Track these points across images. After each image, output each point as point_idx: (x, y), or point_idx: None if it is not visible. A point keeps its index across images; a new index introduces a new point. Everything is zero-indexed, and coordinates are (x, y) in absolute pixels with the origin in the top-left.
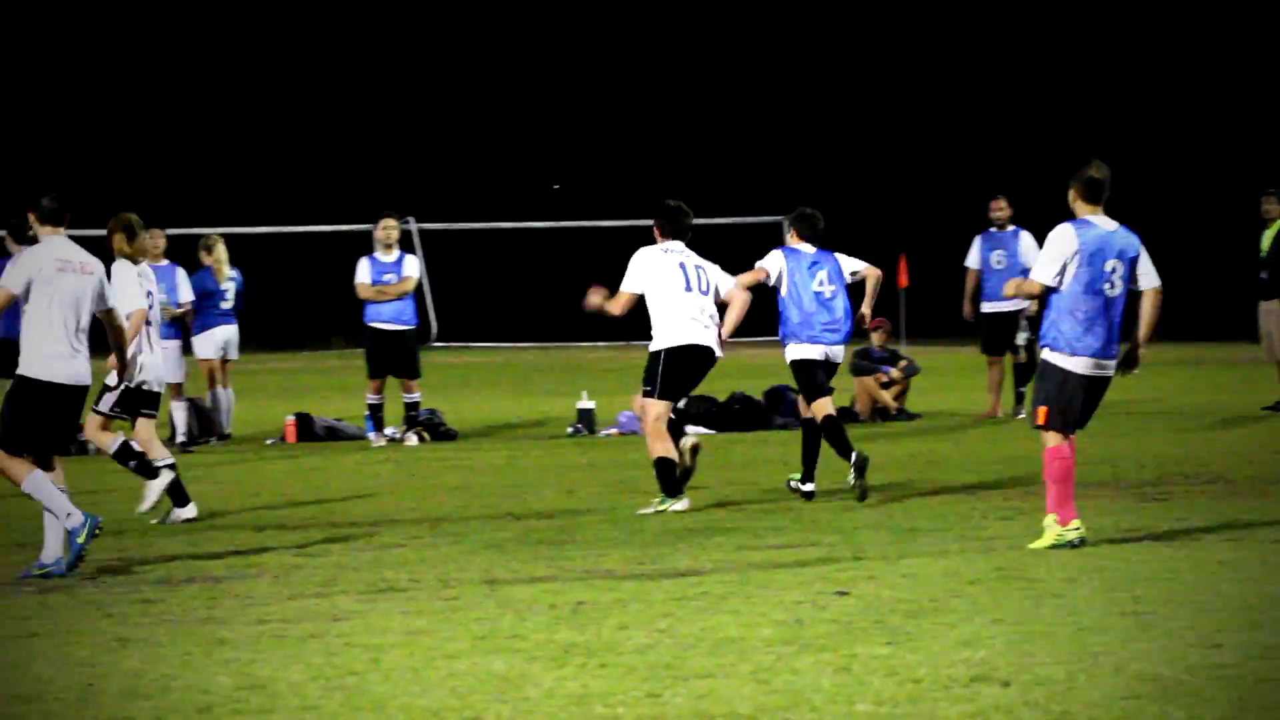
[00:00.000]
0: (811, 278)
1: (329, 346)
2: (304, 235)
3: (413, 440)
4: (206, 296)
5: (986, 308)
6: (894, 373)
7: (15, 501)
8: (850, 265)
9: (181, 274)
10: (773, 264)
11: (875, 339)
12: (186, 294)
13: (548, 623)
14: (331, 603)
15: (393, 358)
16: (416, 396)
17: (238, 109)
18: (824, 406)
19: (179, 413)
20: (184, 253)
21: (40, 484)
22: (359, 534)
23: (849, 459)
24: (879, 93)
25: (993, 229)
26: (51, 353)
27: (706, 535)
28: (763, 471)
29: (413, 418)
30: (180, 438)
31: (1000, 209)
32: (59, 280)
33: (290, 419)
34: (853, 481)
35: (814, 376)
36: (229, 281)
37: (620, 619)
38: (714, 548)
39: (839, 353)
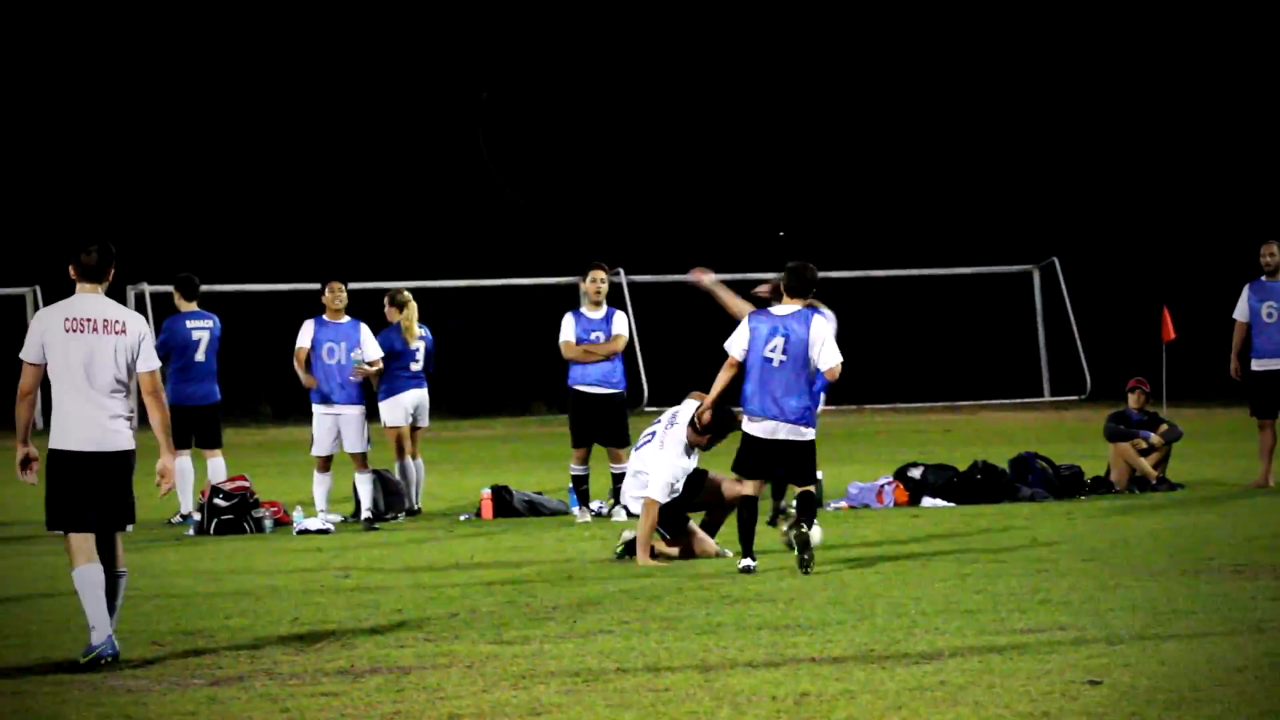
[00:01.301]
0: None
1: (529, 412)
2: (502, 289)
3: (621, 515)
4: (395, 357)
5: (1257, 365)
6: (1154, 438)
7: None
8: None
9: (366, 331)
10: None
11: (1133, 401)
12: (374, 352)
13: (769, 715)
14: (530, 695)
15: (600, 424)
16: (626, 467)
17: (424, 152)
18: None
19: (364, 485)
20: (368, 310)
21: (85, 582)
22: (560, 619)
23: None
24: (1138, 130)
25: (1263, 277)
26: (69, 419)
27: (945, 618)
28: (1006, 548)
29: (621, 490)
30: (365, 513)
31: (1272, 254)
32: (68, 342)
33: (486, 492)
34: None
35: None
36: (419, 341)
37: (849, 711)
38: (953, 632)
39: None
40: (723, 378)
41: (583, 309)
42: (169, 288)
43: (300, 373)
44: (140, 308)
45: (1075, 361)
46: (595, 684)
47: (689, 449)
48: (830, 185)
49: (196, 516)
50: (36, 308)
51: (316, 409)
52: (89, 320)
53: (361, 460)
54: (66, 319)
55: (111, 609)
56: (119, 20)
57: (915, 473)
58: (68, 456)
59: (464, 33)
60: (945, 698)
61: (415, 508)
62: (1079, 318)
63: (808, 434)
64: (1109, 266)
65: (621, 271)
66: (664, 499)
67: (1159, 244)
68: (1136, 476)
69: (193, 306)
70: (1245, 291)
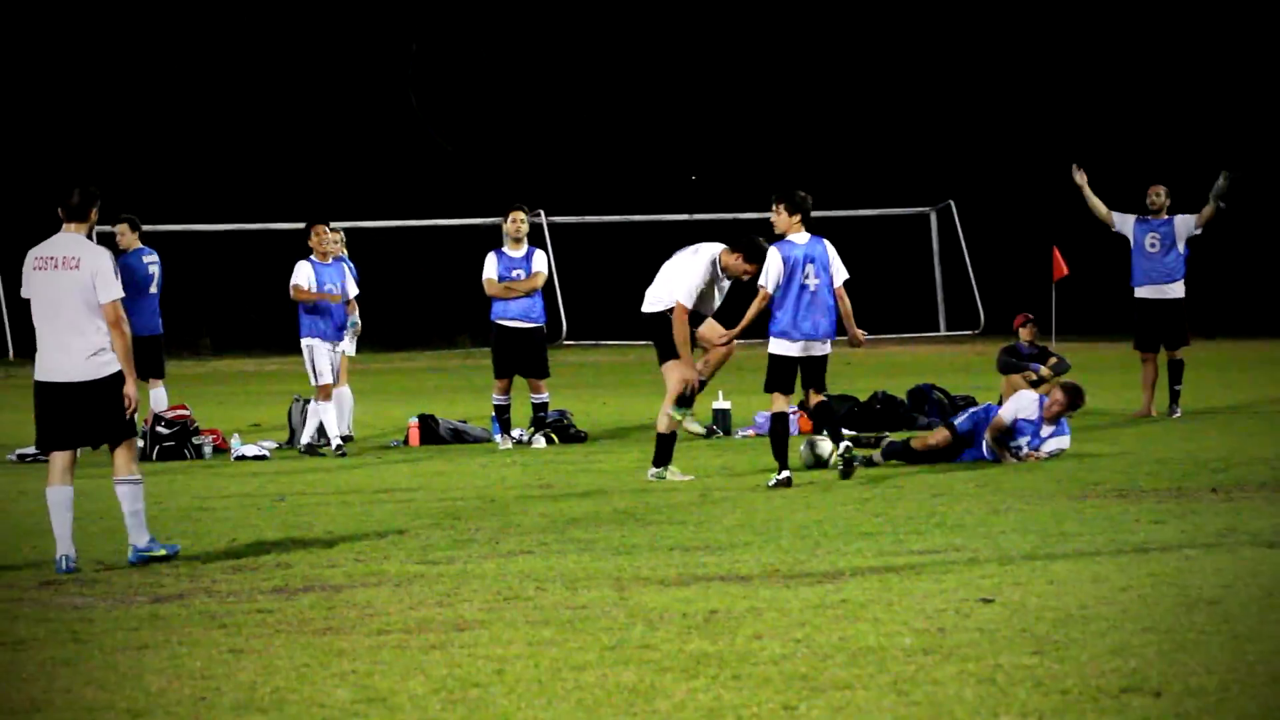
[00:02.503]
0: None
1: (454, 345)
2: (428, 229)
3: (540, 443)
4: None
5: (1140, 293)
6: (1043, 370)
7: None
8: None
9: (349, 270)
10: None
11: (1023, 335)
12: (353, 289)
13: (679, 632)
14: (455, 612)
15: (521, 357)
16: (545, 397)
17: (355, 99)
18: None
19: (327, 414)
20: (301, 249)
21: (52, 502)
22: (483, 540)
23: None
24: (1030, 79)
25: (1149, 215)
26: (41, 351)
27: (846, 539)
28: (905, 473)
29: (541, 419)
30: (305, 440)
31: (1158, 194)
32: (35, 278)
33: (413, 421)
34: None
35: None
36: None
37: (755, 628)
38: (854, 553)
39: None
40: (755, 309)
41: (505, 248)
42: (111, 227)
43: (304, 299)
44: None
45: (970, 298)
46: (516, 602)
47: (718, 270)
48: (739, 129)
49: (140, 443)
50: None
51: (316, 343)
52: (51, 259)
53: (328, 391)
54: (35, 258)
55: (135, 520)
56: None
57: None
58: (44, 387)
59: None
60: (846, 615)
61: (347, 435)
62: (973, 257)
63: (829, 346)
64: (1002, 208)
65: (542, 213)
66: (689, 303)
67: (1048, 186)
68: None
69: (139, 244)
70: (1132, 221)
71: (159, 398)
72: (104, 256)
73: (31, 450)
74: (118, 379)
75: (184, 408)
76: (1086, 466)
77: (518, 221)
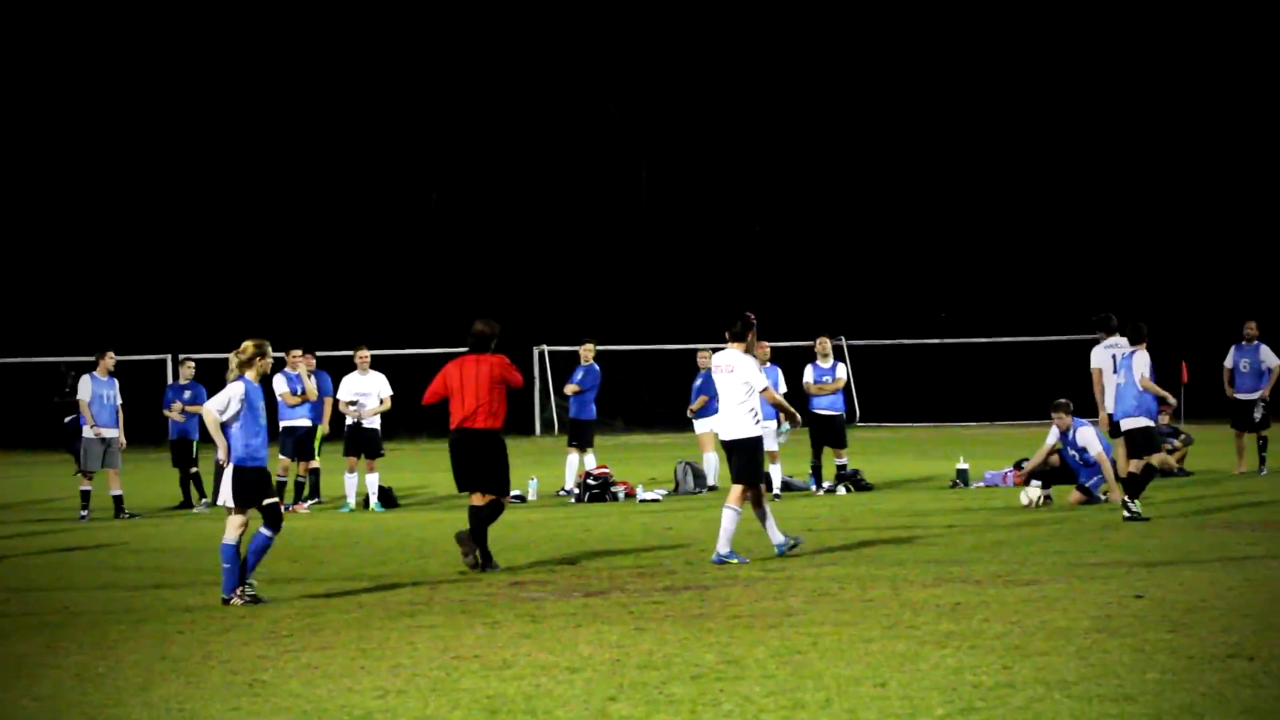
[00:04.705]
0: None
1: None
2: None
3: (842, 491)
4: None
5: (1237, 396)
6: (1177, 443)
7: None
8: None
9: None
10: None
11: (1163, 419)
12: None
13: (934, 618)
14: (785, 603)
15: (828, 433)
16: (845, 460)
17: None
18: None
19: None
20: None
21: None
22: (804, 556)
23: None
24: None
25: (1243, 342)
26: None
27: (1045, 556)
28: (1083, 510)
29: (842, 474)
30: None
31: (1251, 329)
32: None
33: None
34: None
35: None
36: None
37: (984, 614)
38: (1050, 565)
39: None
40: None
41: (818, 361)
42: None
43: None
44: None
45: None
46: (827, 598)
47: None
48: (980, 266)
49: (576, 491)
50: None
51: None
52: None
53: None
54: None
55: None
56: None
57: (1025, 463)
58: None
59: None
60: (1045, 606)
61: (714, 485)
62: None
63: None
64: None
65: (843, 337)
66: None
67: (1174, 313)
68: (1164, 469)
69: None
70: (1231, 350)
71: (589, 461)
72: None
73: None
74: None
75: (605, 467)
76: (1205, 508)
77: (823, 344)
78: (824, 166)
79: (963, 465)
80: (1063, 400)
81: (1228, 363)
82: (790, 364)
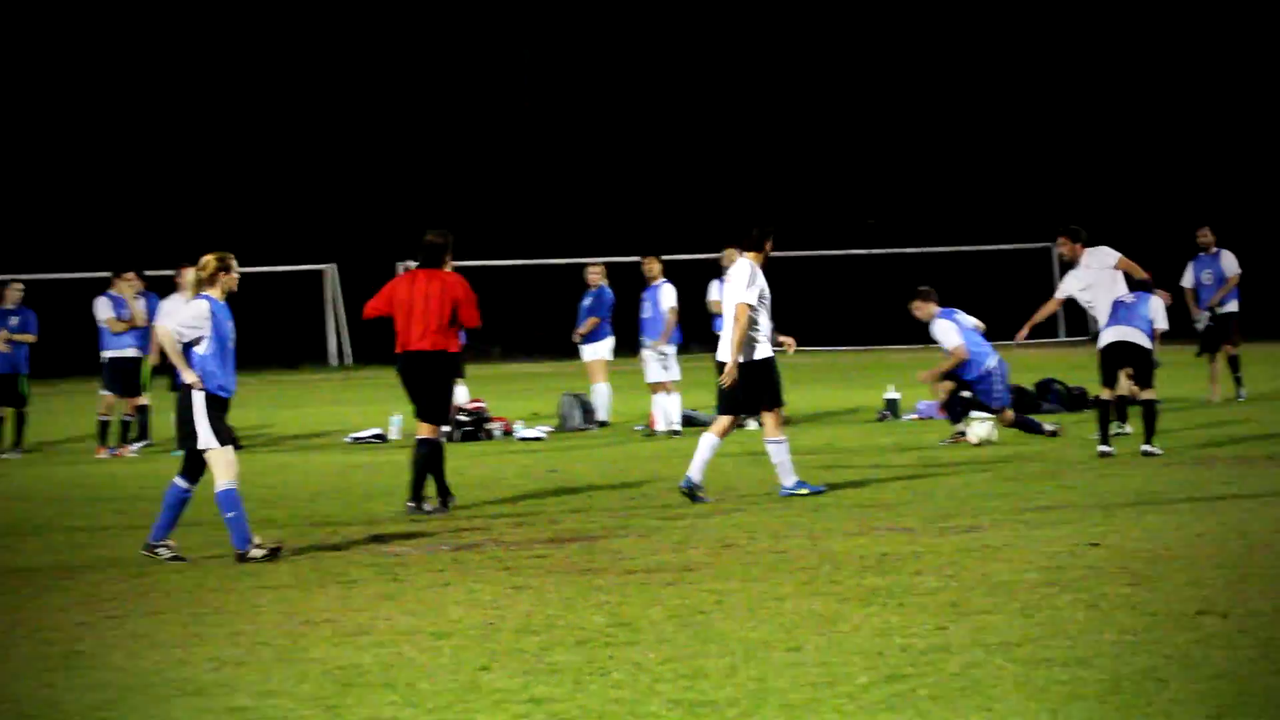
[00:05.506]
0: None
1: (688, 351)
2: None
3: (753, 425)
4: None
5: (1196, 321)
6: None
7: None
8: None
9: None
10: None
11: None
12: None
13: (857, 571)
14: (685, 556)
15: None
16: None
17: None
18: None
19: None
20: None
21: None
22: (708, 505)
23: None
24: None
25: (1201, 253)
26: None
27: (986, 499)
28: (1031, 447)
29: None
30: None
31: (1206, 236)
32: None
33: (656, 410)
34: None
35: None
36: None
37: (916, 567)
38: (992, 509)
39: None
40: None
41: (724, 278)
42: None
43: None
44: None
45: (1080, 312)
46: (732, 548)
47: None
48: (909, 180)
49: (446, 429)
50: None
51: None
52: None
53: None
54: None
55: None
56: None
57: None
58: None
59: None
60: (986, 556)
61: (604, 420)
62: None
63: None
64: (1111, 239)
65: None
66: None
67: (1124, 227)
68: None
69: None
70: (1189, 265)
71: (461, 394)
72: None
73: (364, 434)
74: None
75: (480, 401)
76: (1171, 440)
77: (730, 257)
78: (728, 48)
79: (892, 395)
80: (923, 288)
81: (1186, 280)
82: (694, 280)
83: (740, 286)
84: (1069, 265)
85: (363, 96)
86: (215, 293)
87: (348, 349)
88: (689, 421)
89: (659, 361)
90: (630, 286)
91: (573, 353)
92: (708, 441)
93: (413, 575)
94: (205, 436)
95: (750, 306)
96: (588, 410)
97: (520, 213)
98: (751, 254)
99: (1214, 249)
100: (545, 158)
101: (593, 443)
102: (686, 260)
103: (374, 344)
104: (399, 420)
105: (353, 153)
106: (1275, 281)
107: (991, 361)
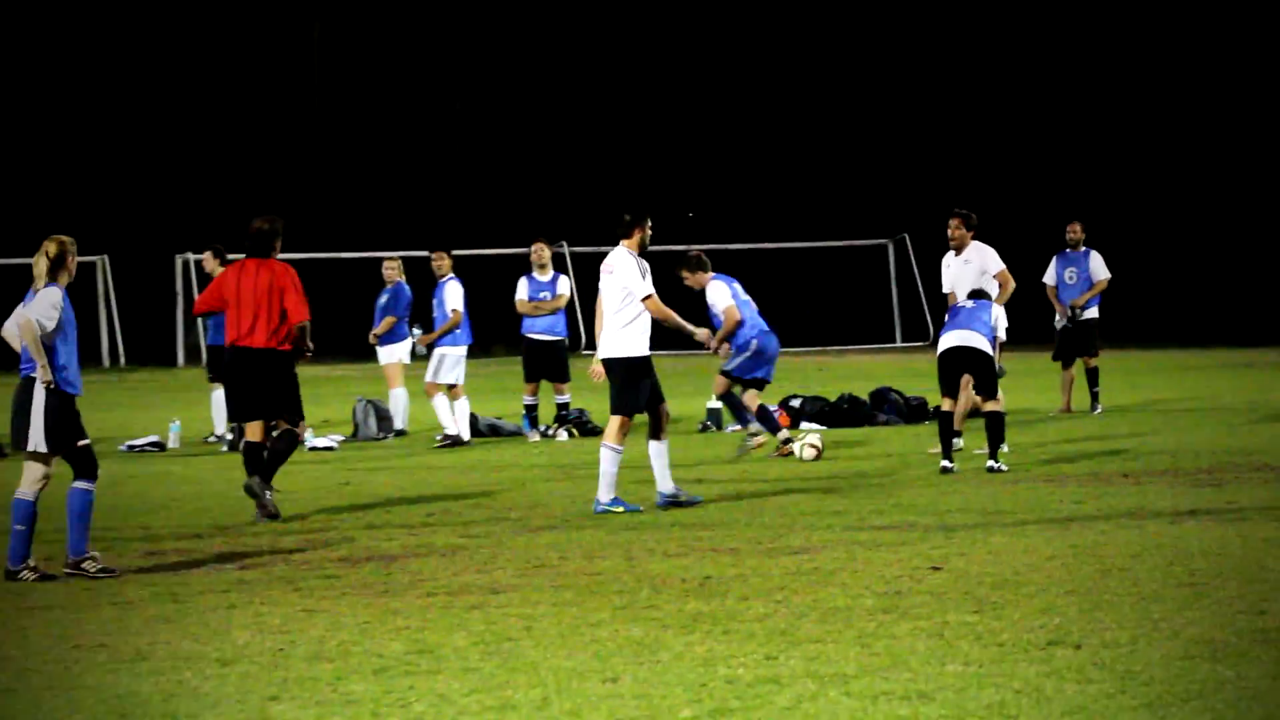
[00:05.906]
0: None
1: (490, 354)
2: (471, 258)
3: (563, 436)
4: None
5: (1058, 321)
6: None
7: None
8: None
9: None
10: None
11: None
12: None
13: (679, 595)
14: (491, 578)
15: (546, 364)
16: (567, 398)
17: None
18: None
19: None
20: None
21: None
22: (515, 518)
23: None
24: (971, 123)
25: (1067, 249)
26: None
27: (818, 518)
28: (867, 462)
29: (564, 416)
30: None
31: (1076, 232)
32: None
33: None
34: None
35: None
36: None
37: (742, 591)
38: (825, 529)
39: None
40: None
41: (534, 274)
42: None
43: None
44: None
45: (921, 315)
46: (542, 569)
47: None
48: (733, 173)
49: (229, 436)
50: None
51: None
52: None
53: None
54: None
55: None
56: None
57: (795, 402)
58: None
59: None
60: (818, 580)
61: (401, 429)
62: (924, 280)
63: None
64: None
65: (564, 244)
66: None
67: (985, 221)
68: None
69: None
70: (1053, 261)
71: None
72: None
73: (140, 441)
74: None
75: None
76: (1019, 455)
77: (540, 251)
78: (542, 23)
79: (715, 404)
80: (693, 254)
81: (1049, 278)
82: (500, 276)
83: (635, 279)
84: (955, 249)
85: (127, 76)
86: (63, 281)
87: (121, 349)
88: (493, 430)
89: (437, 361)
90: (431, 283)
91: (369, 355)
92: (651, 451)
93: (194, 596)
94: (35, 438)
95: (649, 297)
96: (384, 417)
97: (313, 203)
98: (626, 241)
99: (1082, 247)
100: (338, 141)
101: (389, 453)
102: (491, 255)
103: (150, 343)
104: (177, 427)
105: (123, 135)
106: (1138, 286)
107: (763, 338)
